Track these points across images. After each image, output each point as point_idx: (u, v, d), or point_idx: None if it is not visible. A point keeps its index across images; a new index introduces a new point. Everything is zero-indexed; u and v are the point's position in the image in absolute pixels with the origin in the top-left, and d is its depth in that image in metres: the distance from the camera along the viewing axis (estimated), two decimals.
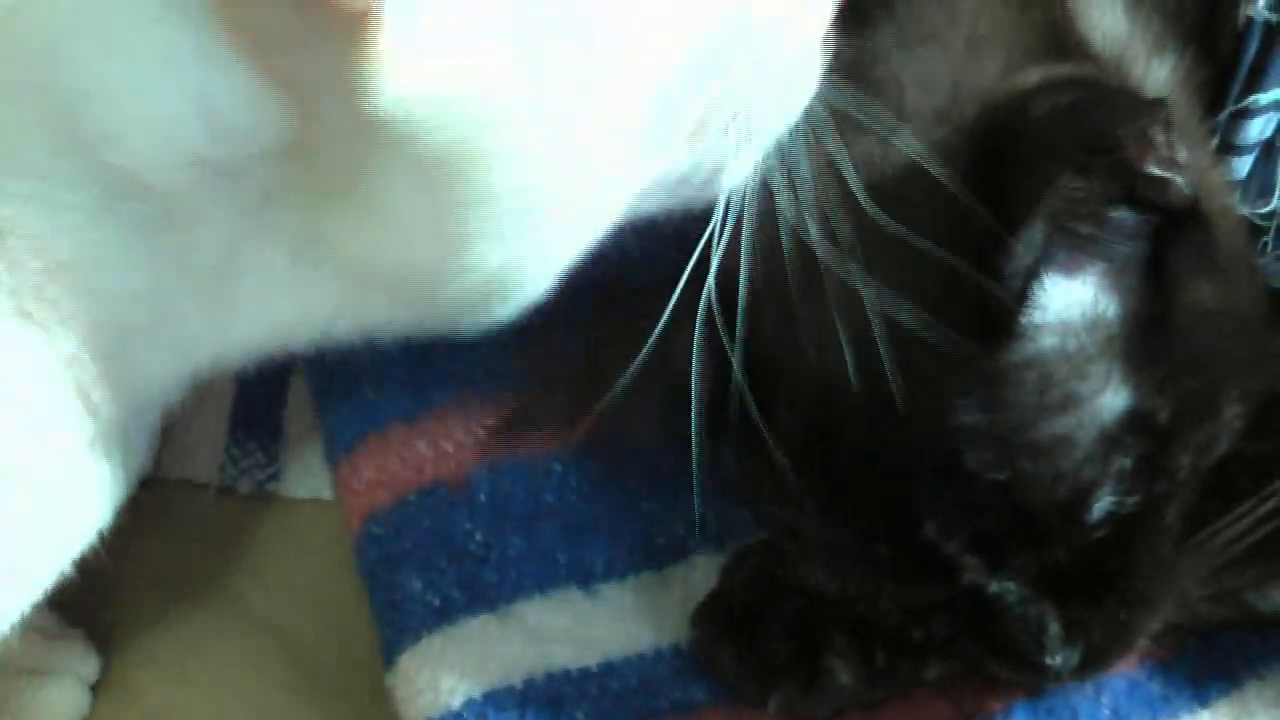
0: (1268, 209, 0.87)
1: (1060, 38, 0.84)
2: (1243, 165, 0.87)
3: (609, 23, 0.71)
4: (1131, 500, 0.79)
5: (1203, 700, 0.91)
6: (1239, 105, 0.86)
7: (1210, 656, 0.92)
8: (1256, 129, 0.86)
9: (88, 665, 1.06)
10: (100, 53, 0.71)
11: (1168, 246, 0.79)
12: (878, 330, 0.77)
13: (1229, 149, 0.87)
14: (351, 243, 0.75)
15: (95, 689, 1.06)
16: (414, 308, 0.79)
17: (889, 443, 0.78)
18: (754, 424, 0.82)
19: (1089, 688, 0.90)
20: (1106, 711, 0.90)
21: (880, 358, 0.77)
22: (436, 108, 0.69)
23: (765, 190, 0.82)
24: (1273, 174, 0.87)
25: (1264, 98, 0.86)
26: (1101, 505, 0.78)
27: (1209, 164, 0.86)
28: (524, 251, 0.74)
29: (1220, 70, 0.87)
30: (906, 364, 0.77)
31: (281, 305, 0.79)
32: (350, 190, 0.73)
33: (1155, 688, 0.91)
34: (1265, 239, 0.87)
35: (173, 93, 0.71)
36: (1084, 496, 0.78)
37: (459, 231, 0.73)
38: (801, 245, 0.81)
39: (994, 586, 0.80)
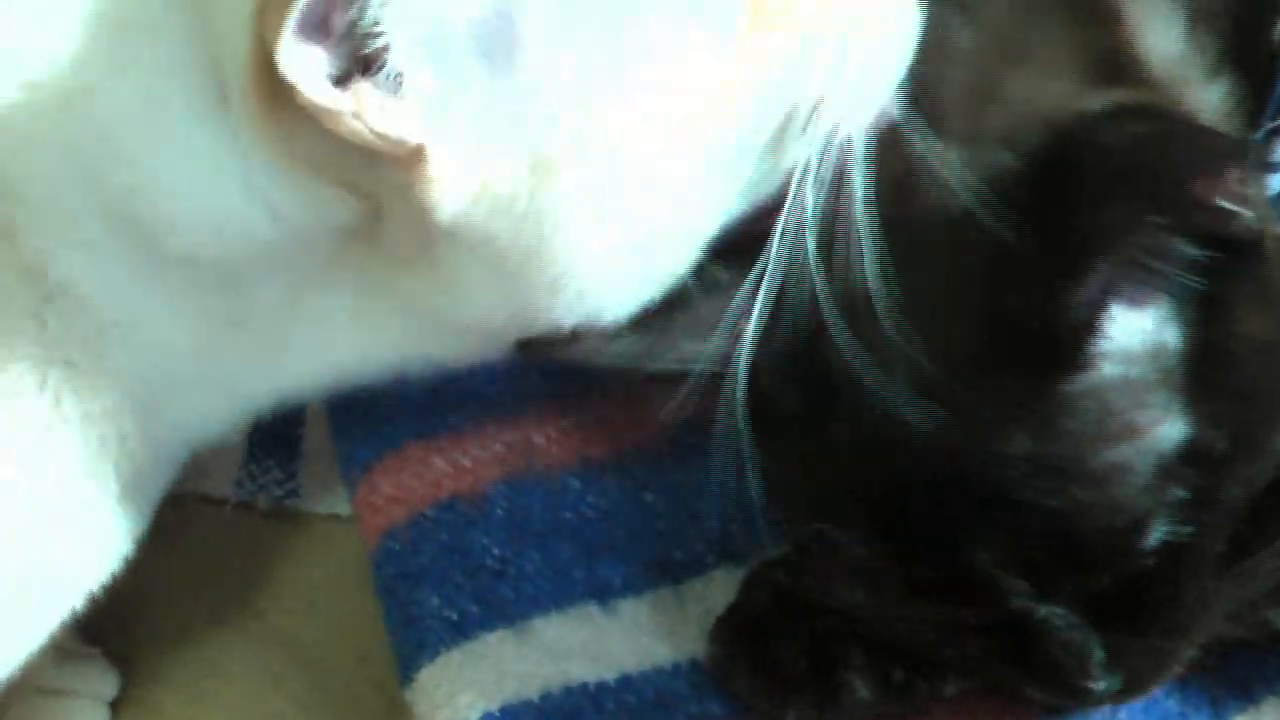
0: None
1: (1117, 61, 0.85)
2: (1275, 184, 0.87)
3: (654, 108, 0.72)
4: (1186, 531, 0.79)
5: (1220, 717, 0.90)
6: (1274, 124, 0.87)
7: (1228, 674, 0.91)
8: None
9: (107, 683, 1.07)
10: (154, 147, 0.72)
11: (1226, 278, 0.79)
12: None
13: (1264, 167, 0.87)
14: (423, 298, 0.77)
15: (115, 707, 1.07)
16: (485, 345, 0.83)
17: (945, 467, 0.78)
18: (808, 437, 0.82)
19: (1106, 707, 0.91)
20: None
21: (938, 381, 0.78)
22: (497, 215, 0.71)
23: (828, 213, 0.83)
24: None
25: None
26: (1157, 534, 0.78)
27: (1264, 198, 0.86)
28: (597, 306, 0.77)
29: (1257, 90, 0.88)
30: (963, 390, 0.78)
31: (341, 349, 0.81)
32: (424, 270, 0.75)
33: (1173, 705, 0.91)
34: None
35: (230, 188, 0.72)
36: (1139, 526, 0.78)
37: (538, 301, 0.75)
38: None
39: (1041, 611, 0.80)
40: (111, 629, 1.03)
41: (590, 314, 0.77)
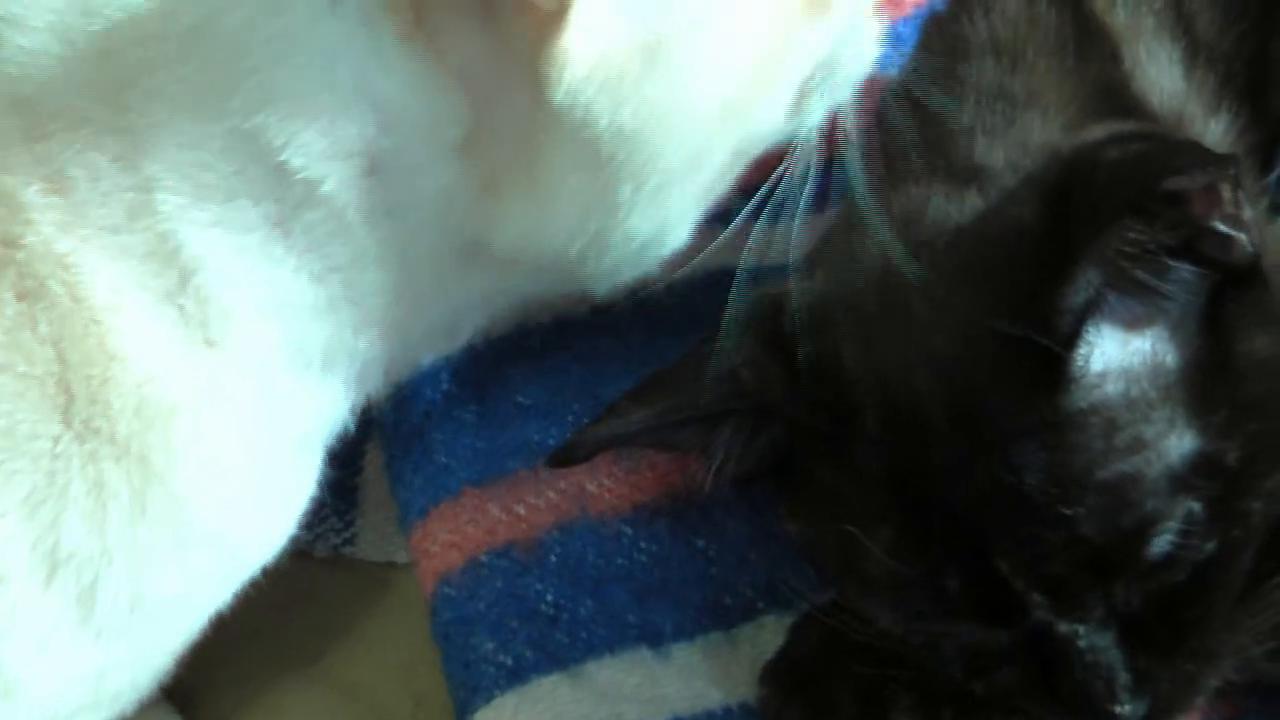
0: None
1: (1119, 96, 0.87)
2: None
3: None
4: (1209, 545, 0.80)
5: None
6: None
7: (1269, 713, 0.92)
8: None
9: None
10: (275, 55, 0.77)
11: (1225, 298, 0.80)
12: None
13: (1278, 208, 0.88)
14: (518, 231, 0.82)
15: None
16: (564, 282, 0.89)
17: (967, 479, 0.79)
18: (833, 453, 0.84)
19: None
20: None
21: (959, 388, 0.79)
22: (604, 94, 0.76)
23: (839, 228, 0.86)
24: None
25: None
26: (1162, 542, 0.79)
27: (1264, 221, 0.87)
28: (669, 217, 0.83)
29: (1272, 132, 0.89)
30: (976, 406, 0.79)
31: (448, 301, 0.87)
32: (520, 178, 0.80)
33: None
34: None
35: (343, 85, 0.77)
36: (1146, 530, 0.78)
37: (619, 204, 0.81)
38: (884, 275, 0.84)
39: (1063, 626, 0.80)
40: (174, 675, 1.04)
41: (660, 219, 0.83)
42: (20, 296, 0.79)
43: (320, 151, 0.78)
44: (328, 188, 0.79)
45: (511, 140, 0.79)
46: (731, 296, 0.87)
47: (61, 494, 0.80)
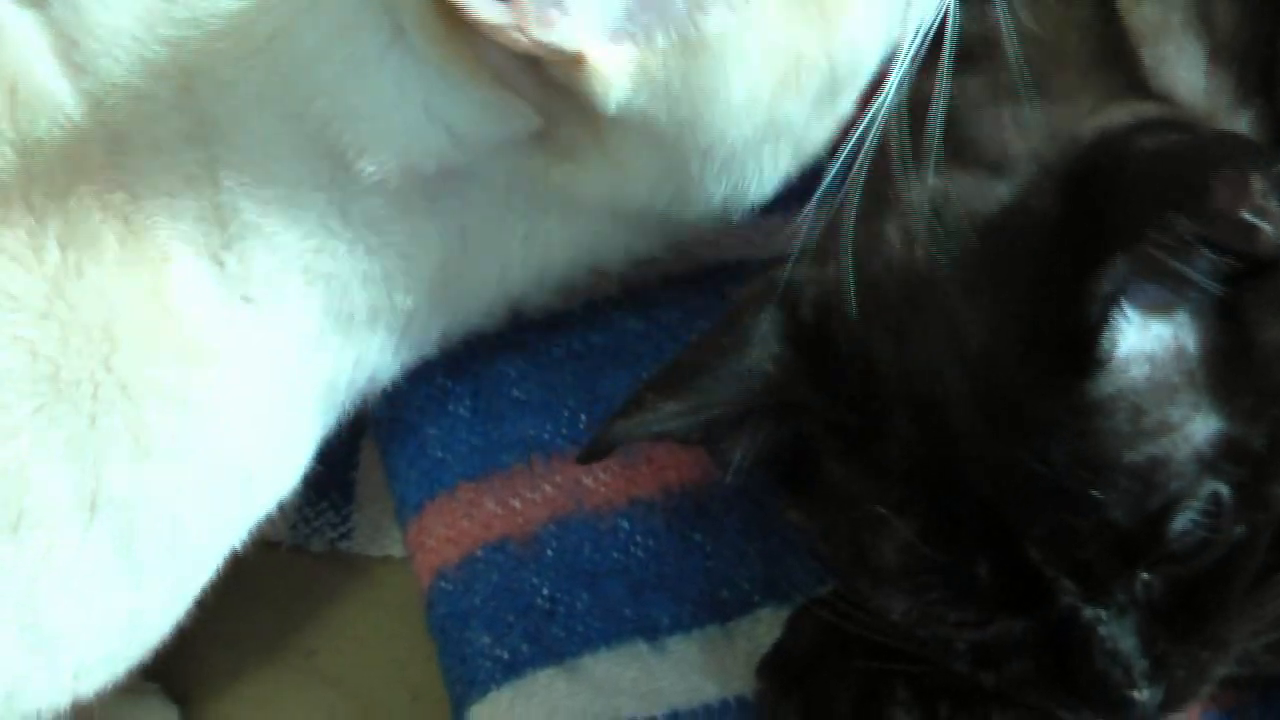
0: None
1: (1143, 90, 0.87)
2: None
3: None
4: (1238, 530, 0.80)
5: None
6: None
7: (1268, 707, 0.92)
8: None
9: (166, 719, 1.08)
10: (347, 76, 0.81)
11: (1245, 287, 0.80)
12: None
13: None
14: (597, 191, 0.86)
15: None
16: (652, 235, 0.93)
17: (997, 466, 0.79)
18: (853, 449, 0.84)
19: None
20: None
21: (987, 378, 0.79)
22: (656, 98, 0.80)
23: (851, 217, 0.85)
24: None
25: None
26: (1183, 519, 0.79)
27: None
28: (750, 179, 0.86)
29: (1275, 123, 0.89)
30: (1005, 393, 0.79)
31: (518, 261, 0.91)
32: (593, 154, 0.83)
33: None
34: None
35: (413, 111, 0.81)
36: (1168, 510, 0.78)
37: (692, 175, 0.84)
38: (907, 264, 0.83)
39: (1088, 612, 0.80)
40: (171, 667, 1.04)
41: (737, 184, 0.86)
42: (64, 245, 0.82)
43: (392, 162, 0.81)
44: (395, 184, 0.83)
45: (579, 131, 0.83)
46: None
47: (103, 438, 0.82)
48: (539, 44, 0.76)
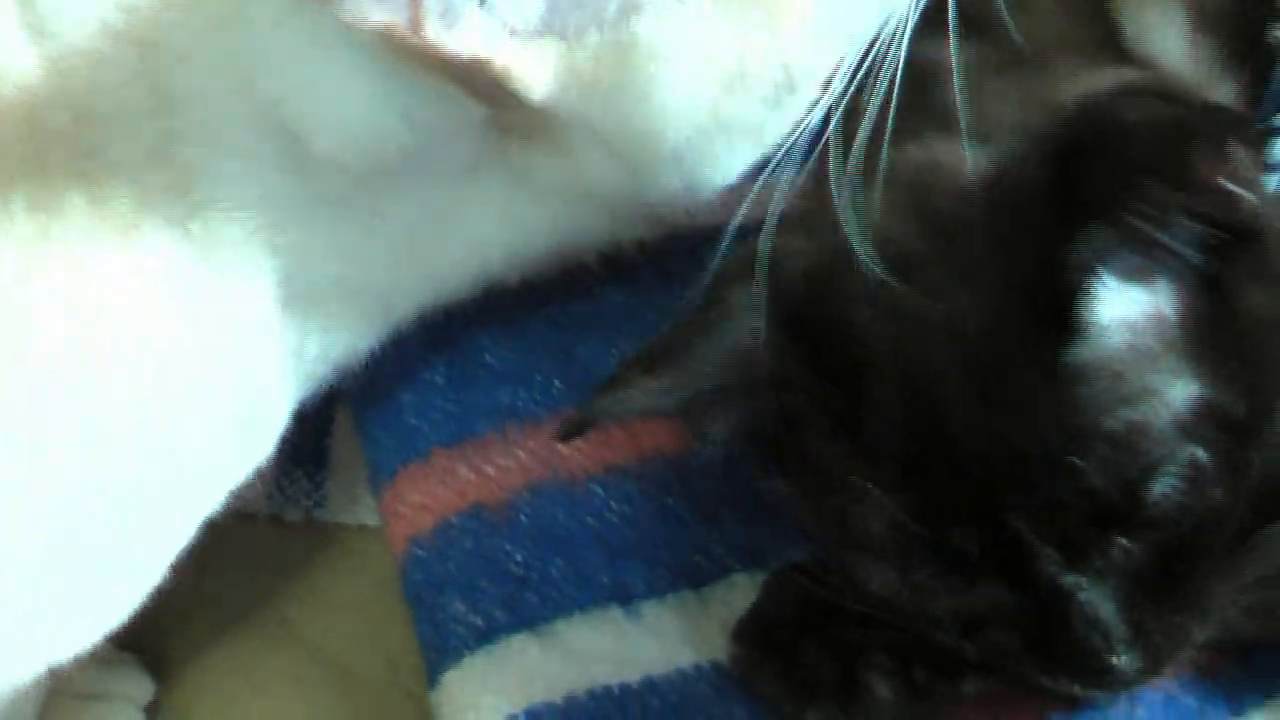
0: None
1: (1126, 58, 0.86)
2: (1270, 183, 0.88)
3: None
4: (1216, 493, 0.80)
5: (1237, 712, 0.91)
6: (1268, 125, 0.87)
7: (1246, 672, 0.92)
8: None
9: (141, 689, 1.08)
10: (300, 56, 0.80)
11: (1226, 255, 0.80)
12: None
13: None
14: (557, 176, 0.85)
15: (147, 712, 1.08)
16: (626, 216, 0.92)
17: (980, 437, 0.79)
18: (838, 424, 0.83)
19: (1124, 702, 0.90)
20: None
21: (973, 349, 0.79)
22: (585, 96, 0.79)
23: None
24: None
25: None
26: (1162, 484, 0.79)
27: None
28: (705, 168, 0.85)
29: (1253, 91, 0.89)
30: (987, 363, 0.79)
31: (494, 241, 0.89)
32: (544, 140, 0.82)
33: (1191, 702, 0.91)
34: None
35: (366, 96, 0.80)
36: (1147, 475, 0.78)
37: (640, 167, 0.83)
38: (889, 236, 0.83)
39: (1069, 580, 0.80)
40: (146, 637, 1.04)
41: (693, 174, 0.84)
42: (32, 208, 0.82)
43: (346, 144, 0.81)
44: (353, 165, 0.82)
45: (527, 117, 0.81)
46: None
47: (68, 406, 0.83)
48: (432, 46, 0.75)
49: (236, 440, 0.90)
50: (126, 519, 0.86)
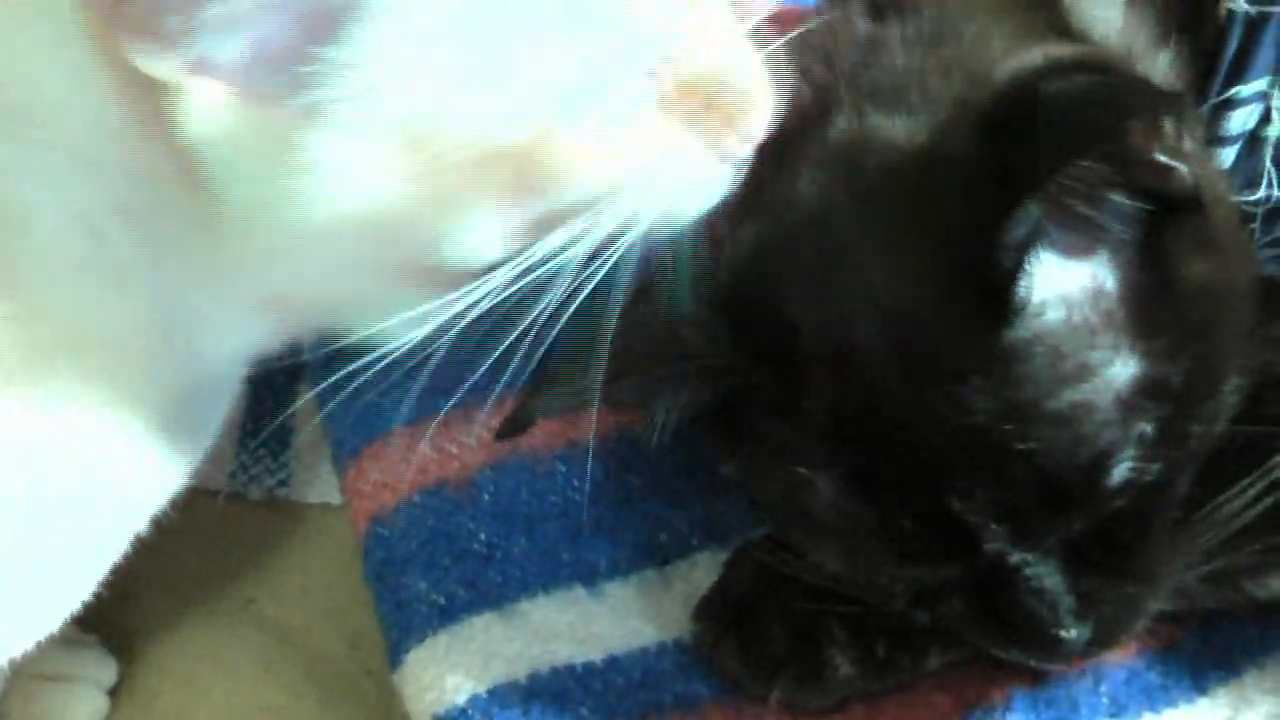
0: (1254, 198, 0.87)
1: (1060, 29, 0.86)
2: (1227, 156, 0.88)
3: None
4: (1154, 467, 0.79)
5: (1201, 689, 0.91)
6: (1222, 97, 0.87)
7: (1209, 646, 0.92)
8: (1239, 120, 0.87)
9: (105, 671, 1.08)
10: (11, 35, 0.74)
11: (1164, 226, 0.80)
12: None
13: (1213, 140, 0.87)
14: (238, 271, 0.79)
15: (112, 694, 1.08)
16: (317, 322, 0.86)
17: (918, 419, 0.79)
18: (779, 406, 0.83)
19: (1088, 678, 0.91)
20: (1105, 701, 0.91)
21: (904, 328, 0.79)
22: (226, 152, 0.73)
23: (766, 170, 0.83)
24: (1255, 164, 0.87)
25: (1246, 90, 0.87)
26: (1121, 470, 0.79)
27: (1202, 151, 0.87)
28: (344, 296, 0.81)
29: (1205, 63, 0.88)
30: (923, 340, 0.79)
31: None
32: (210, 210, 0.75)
33: (1154, 677, 0.91)
34: (1253, 226, 0.87)
35: (69, 75, 0.74)
36: (1105, 460, 0.78)
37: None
38: (821, 216, 0.82)
39: (1015, 556, 0.80)
40: (109, 617, 1.04)
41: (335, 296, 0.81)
42: None
43: (63, 121, 0.75)
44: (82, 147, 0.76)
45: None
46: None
47: None
48: (119, 37, 0.70)
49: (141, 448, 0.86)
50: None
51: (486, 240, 0.78)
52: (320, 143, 0.72)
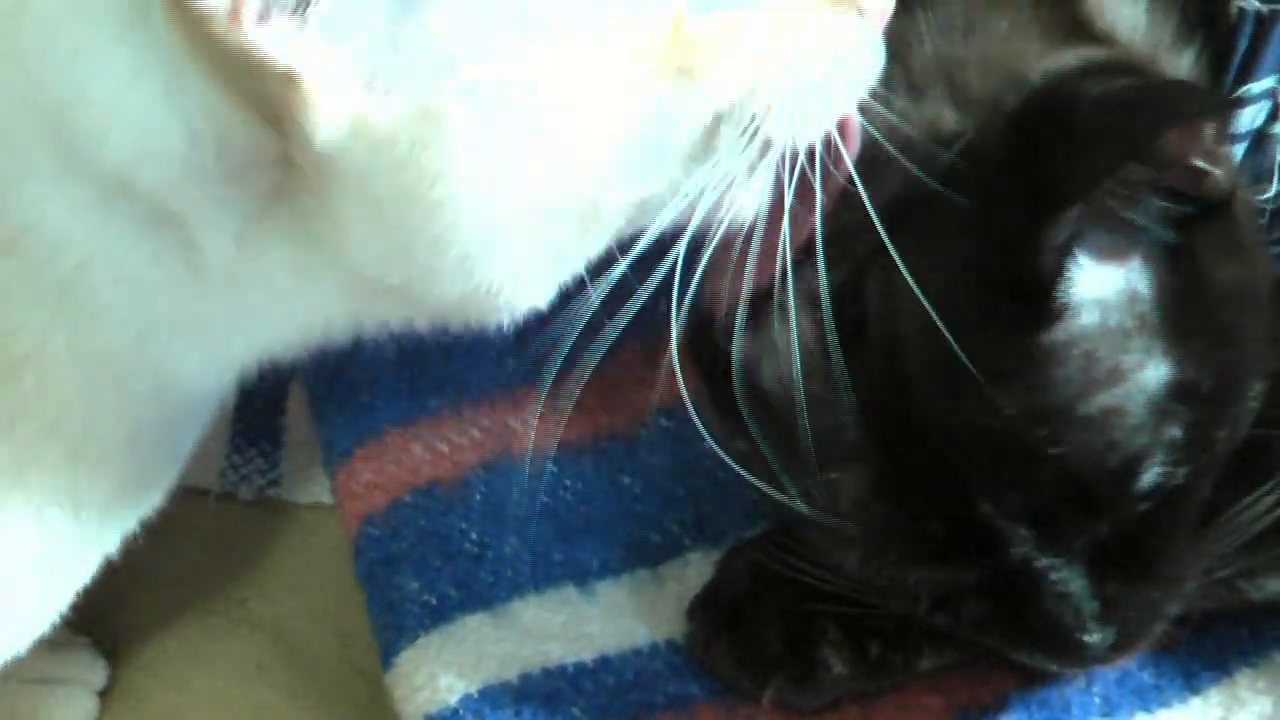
0: (1262, 196, 0.87)
1: (1087, 30, 0.86)
2: (1235, 154, 0.88)
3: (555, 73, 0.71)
4: (1181, 471, 0.79)
5: (1194, 688, 0.91)
6: (1234, 95, 0.87)
7: (1201, 646, 0.92)
8: (1248, 118, 0.87)
9: (96, 673, 1.08)
10: (81, 56, 0.72)
11: (1196, 229, 0.80)
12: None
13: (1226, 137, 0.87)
14: (341, 249, 0.75)
15: (103, 696, 1.08)
16: (406, 310, 0.80)
17: (947, 420, 0.79)
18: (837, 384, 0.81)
19: (1081, 678, 0.91)
20: (1098, 701, 0.91)
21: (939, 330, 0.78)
22: (375, 154, 0.70)
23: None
24: (1263, 162, 0.87)
25: (1255, 87, 0.87)
26: (1150, 474, 0.79)
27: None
28: (485, 279, 0.74)
29: (1216, 61, 0.88)
30: (961, 342, 0.78)
31: (288, 306, 0.79)
32: (311, 203, 0.74)
33: (1146, 677, 0.92)
34: (1260, 223, 0.87)
35: (151, 99, 0.71)
36: (1135, 465, 0.78)
37: (412, 255, 0.74)
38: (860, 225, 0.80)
39: (1041, 560, 0.80)
40: (99, 619, 1.04)
41: (478, 288, 0.75)
42: None
43: (127, 155, 0.73)
44: (138, 184, 0.74)
45: (308, 172, 0.74)
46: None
47: None
48: (249, 45, 0.68)
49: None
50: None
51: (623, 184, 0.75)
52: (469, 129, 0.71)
